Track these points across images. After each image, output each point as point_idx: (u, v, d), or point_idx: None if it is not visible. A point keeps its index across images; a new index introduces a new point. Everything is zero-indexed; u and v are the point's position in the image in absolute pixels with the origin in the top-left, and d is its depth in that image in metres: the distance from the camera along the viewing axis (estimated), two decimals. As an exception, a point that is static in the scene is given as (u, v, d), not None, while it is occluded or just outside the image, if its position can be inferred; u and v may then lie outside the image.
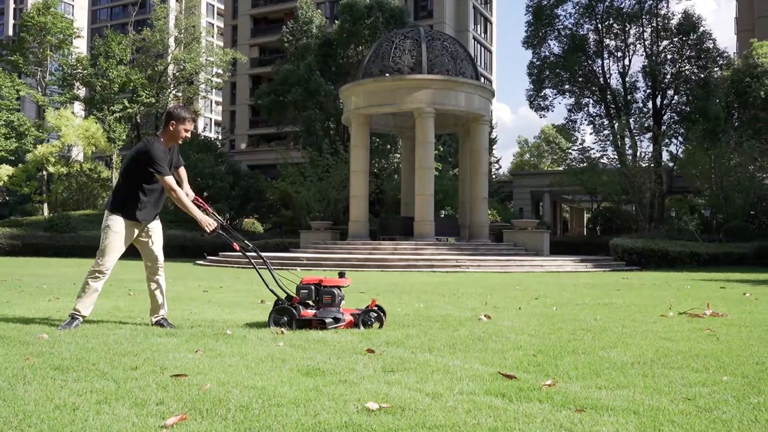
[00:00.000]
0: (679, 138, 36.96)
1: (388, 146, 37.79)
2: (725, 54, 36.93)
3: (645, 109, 37.62)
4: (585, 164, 33.86)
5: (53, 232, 31.03)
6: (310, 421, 2.65)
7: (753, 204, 28.40)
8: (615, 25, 37.26)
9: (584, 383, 3.38)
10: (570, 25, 38.00)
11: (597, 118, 38.21)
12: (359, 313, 5.39)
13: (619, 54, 37.43)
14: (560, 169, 45.57)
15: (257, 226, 41.17)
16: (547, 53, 38.67)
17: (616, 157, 33.77)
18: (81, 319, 5.32)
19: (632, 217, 31.38)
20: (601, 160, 34.10)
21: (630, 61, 37.39)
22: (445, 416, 2.72)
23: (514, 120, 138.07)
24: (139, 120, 46.96)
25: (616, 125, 34.76)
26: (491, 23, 66.14)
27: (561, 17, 38.15)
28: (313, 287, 5.31)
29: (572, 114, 39.15)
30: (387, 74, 23.25)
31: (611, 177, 30.91)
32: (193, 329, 5.26)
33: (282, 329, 5.12)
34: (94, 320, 5.80)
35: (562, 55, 37.55)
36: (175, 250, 27.24)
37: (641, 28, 37.02)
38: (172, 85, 49.02)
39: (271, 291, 5.50)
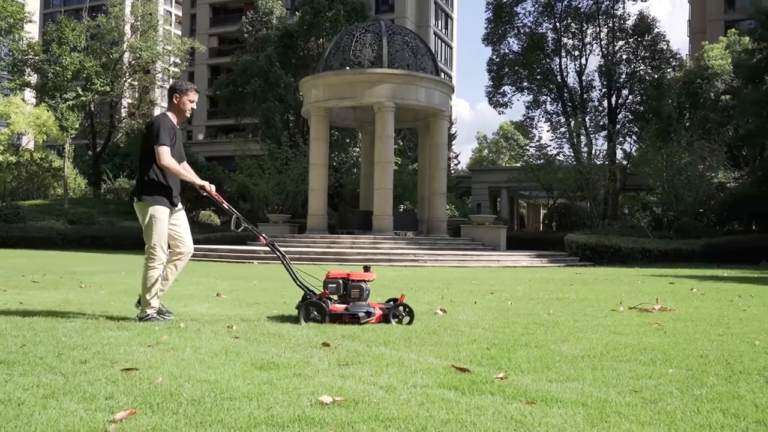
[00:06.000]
0: (633, 137, 37.82)
1: (348, 140, 37.71)
2: (678, 55, 37.91)
3: (600, 108, 38.38)
4: (542, 161, 34.33)
5: (1, 222, 30.10)
6: (263, 414, 2.63)
7: (702, 202, 29.13)
8: (573, 24, 37.88)
9: (535, 376, 3.44)
10: (529, 24, 38.51)
11: (554, 115, 38.86)
12: (389, 307, 5.40)
13: (577, 53, 38.08)
14: (518, 165, 46.10)
15: (214, 219, 40.66)
16: (506, 50, 39.14)
17: (572, 154, 34.33)
18: (155, 311, 5.30)
19: (587, 214, 31.90)
20: (558, 157, 34.65)
21: (587, 60, 38.24)
22: (398, 409, 2.74)
23: (473, 116, 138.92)
24: (93, 108, 45.73)
25: (573, 123, 35.31)
26: (452, 19, 66.51)
27: (520, 15, 38.66)
28: (341, 281, 5.32)
29: (530, 111, 39.77)
30: (348, 68, 23.16)
31: (567, 174, 31.36)
32: (145, 322, 5.18)
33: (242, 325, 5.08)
34: (43, 312, 5.66)
35: (521, 53, 38.03)
36: (130, 243, 26.69)
37: (598, 28, 37.71)
38: (127, 74, 47.91)
39: (299, 286, 5.44)
